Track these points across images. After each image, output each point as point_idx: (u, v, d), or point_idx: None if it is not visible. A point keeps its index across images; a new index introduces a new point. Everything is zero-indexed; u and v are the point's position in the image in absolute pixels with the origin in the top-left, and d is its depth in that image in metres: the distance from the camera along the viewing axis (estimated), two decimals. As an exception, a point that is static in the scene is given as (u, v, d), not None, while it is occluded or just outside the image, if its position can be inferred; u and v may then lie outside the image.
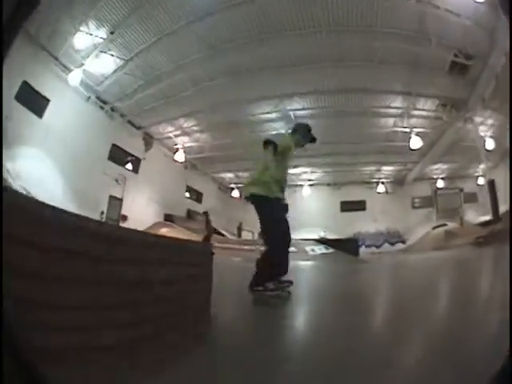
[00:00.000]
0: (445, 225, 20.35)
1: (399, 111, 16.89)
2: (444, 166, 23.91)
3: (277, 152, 4.04)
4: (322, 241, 15.11)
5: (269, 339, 2.33)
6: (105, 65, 13.88)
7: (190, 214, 22.83)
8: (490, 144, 17.29)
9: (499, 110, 15.42)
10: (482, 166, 21.34)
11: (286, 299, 3.85)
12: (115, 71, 14.15)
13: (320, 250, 13.36)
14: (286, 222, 4.10)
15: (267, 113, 16.81)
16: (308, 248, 13.19)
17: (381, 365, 1.67)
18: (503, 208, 14.41)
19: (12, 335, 1.14)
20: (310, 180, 25.11)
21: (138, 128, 18.69)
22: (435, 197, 25.40)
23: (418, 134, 17.44)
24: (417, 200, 25.78)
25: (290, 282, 4.03)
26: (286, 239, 4.04)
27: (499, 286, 3.53)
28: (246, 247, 14.73)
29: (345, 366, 1.76)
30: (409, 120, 17.19)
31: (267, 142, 4.10)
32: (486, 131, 17.39)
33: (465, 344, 1.89)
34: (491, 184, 16.18)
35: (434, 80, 14.52)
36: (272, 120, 17.45)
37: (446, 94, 15.55)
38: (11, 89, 11.18)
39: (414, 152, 19.16)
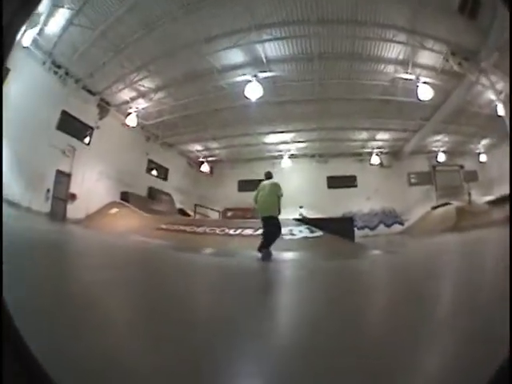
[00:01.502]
0: (448, 204, 18.48)
1: (401, 57, 14.02)
2: (445, 138, 21.73)
3: None
4: (305, 220, 11.65)
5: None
6: (58, 22, 12.25)
7: (152, 193, 20.19)
8: (501, 110, 15.03)
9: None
10: (484, 142, 21.53)
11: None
12: (67, 26, 12.34)
13: (301, 232, 9.83)
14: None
15: (230, 48, 13.38)
16: (285, 230, 9.72)
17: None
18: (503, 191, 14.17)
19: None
20: (290, 150, 22.26)
21: (93, 94, 16.26)
22: (434, 173, 23.32)
23: (426, 83, 14.74)
24: (413, 176, 23.48)
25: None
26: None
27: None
28: (211, 230, 11.80)
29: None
30: (413, 69, 14.40)
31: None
32: (498, 94, 15.09)
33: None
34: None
35: (441, 18, 12.11)
36: (240, 66, 14.44)
37: (455, 39, 13.05)
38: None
39: (417, 111, 16.92)
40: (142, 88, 16.30)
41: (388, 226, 21.37)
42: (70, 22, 12.00)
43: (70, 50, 13.43)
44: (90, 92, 15.98)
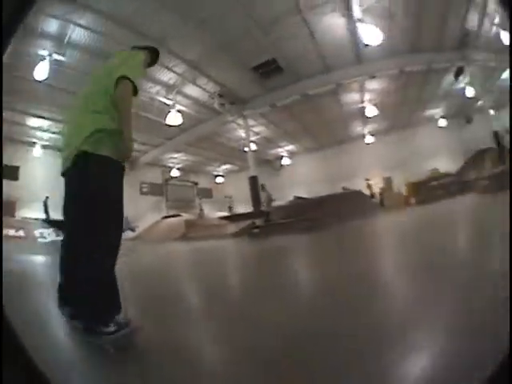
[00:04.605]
0: (178, 215, 19.58)
1: (171, 82, 14.60)
2: (184, 157, 23.58)
3: None
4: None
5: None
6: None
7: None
8: (253, 146, 18.49)
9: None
10: (224, 167, 25.45)
11: None
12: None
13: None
14: None
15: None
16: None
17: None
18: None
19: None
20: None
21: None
22: (166, 185, 24.77)
23: (179, 111, 15.81)
24: (145, 185, 23.94)
25: None
26: None
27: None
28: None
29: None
30: (175, 95, 15.22)
31: None
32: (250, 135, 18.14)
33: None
34: (253, 180, 17.29)
35: (230, 68, 13.59)
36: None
37: (231, 86, 14.97)
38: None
39: (163, 130, 17.92)
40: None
41: (120, 232, 21.13)
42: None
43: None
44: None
